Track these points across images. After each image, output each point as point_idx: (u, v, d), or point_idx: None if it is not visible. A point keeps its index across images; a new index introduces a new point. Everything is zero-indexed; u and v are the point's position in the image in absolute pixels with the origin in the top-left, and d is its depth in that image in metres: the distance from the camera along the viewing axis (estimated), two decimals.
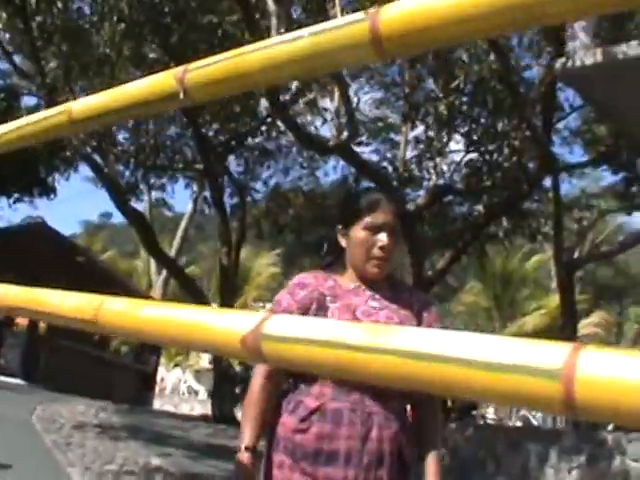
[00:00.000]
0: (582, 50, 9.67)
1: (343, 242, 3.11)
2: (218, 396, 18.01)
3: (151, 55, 18.30)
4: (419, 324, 3.04)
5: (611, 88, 9.81)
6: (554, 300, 35.67)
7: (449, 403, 16.35)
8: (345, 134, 15.36)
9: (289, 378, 3.03)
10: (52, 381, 19.14)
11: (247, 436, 2.92)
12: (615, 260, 52.09)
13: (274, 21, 13.64)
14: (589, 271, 48.33)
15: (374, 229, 3.01)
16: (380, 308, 3.01)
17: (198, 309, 1.45)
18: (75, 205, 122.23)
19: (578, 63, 9.52)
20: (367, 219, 3.02)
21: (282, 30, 14.27)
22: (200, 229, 54.91)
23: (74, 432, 12.11)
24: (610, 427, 13.45)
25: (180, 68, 1.68)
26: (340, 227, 3.13)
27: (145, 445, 12.22)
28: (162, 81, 1.73)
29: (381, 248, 3.00)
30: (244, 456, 2.90)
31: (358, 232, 3.03)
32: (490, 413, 29.92)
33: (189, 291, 21.55)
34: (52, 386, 18.27)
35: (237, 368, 18.60)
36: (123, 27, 16.11)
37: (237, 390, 17.56)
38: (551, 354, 0.92)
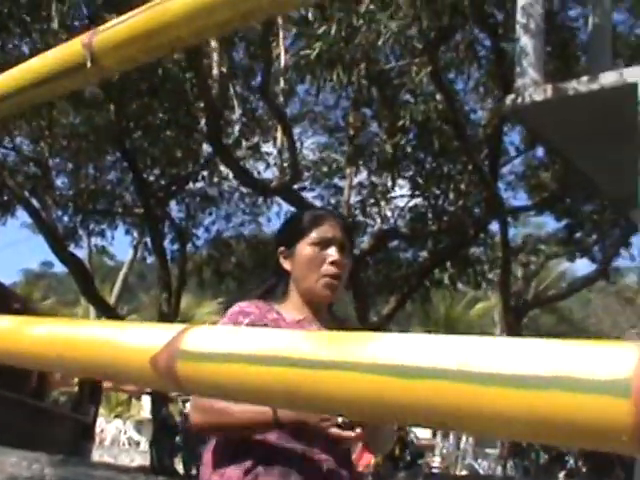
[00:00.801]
0: (532, 87, 9.55)
1: (287, 265, 2.81)
2: (157, 447, 17.61)
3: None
4: None
5: (561, 125, 9.69)
6: None
7: (396, 451, 16.08)
8: (288, 176, 15.16)
9: None
10: None
11: (262, 414, 2.50)
12: (558, 307, 52.71)
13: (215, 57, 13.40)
14: (533, 318, 48.67)
15: (322, 244, 2.75)
16: None
17: (101, 324, 1.13)
18: (16, 253, 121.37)
19: (528, 99, 9.39)
20: (313, 234, 2.76)
21: (223, 69, 14.14)
22: (142, 278, 54.63)
23: None
24: (561, 476, 13.17)
25: (89, 32, 1.38)
26: (282, 248, 2.83)
27: None
28: (69, 50, 1.42)
29: (332, 263, 2.73)
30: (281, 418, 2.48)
31: (304, 249, 2.76)
32: (436, 462, 29.61)
33: None
34: None
35: (177, 418, 18.18)
36: None
37: (177, 439, 17.18)
38: (615, 358, 0.60)
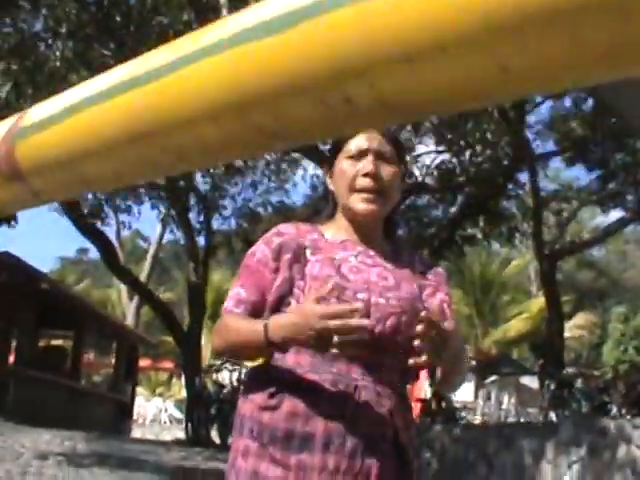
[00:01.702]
0: None
1: (330, 184, 2.66)
2: (191, 418, 17.50)
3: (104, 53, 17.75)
4: (420, 288, 2.56)
5: None
6: (536, 304, 35.53)
7: (433, 405, 15.90)
8: None
9: None
10: (20, 413, 18.43)
11: (253, 324, 2.39)
12: (595, 261, 52.32)
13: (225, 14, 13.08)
14: (570, 276, 48.32)
15: (357, 156, 2.55)
16: (372, 265, 2.52)
17: None
18: (52, 241, 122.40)
19: None
20: (349, 146, 2.57)
21: None
22: (177, 259, 54.77)
23: (33, 461, 11.37)
24: (614, 411, 12.85)
25: None
26: (327, 167, 2.70)
27: (111, 471, 11.51)
28: None
29: (365, 175, 2.51)
30: (270, 324, 2.33)
31: (340, 163, 2.59)
32: (477, 421, 29.32)
33: (160, 314, 21.04)
34: (20, 418, 17.53)
35: (211, 389, 18.01)
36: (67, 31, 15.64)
37: (212, 411, 17.02)
38: None
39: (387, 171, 2.55)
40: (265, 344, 2.31)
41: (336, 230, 2.62)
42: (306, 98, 0.88)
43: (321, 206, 2.75)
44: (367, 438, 2.33)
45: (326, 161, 2.74)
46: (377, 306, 2.40)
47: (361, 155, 2.55)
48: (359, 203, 2.53)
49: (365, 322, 2.21)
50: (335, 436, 2.30)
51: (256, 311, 2.44)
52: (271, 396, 2.38)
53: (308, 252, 2.51)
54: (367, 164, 2.52)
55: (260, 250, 2.54)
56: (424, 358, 2.19)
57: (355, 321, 2.17)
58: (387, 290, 2.46)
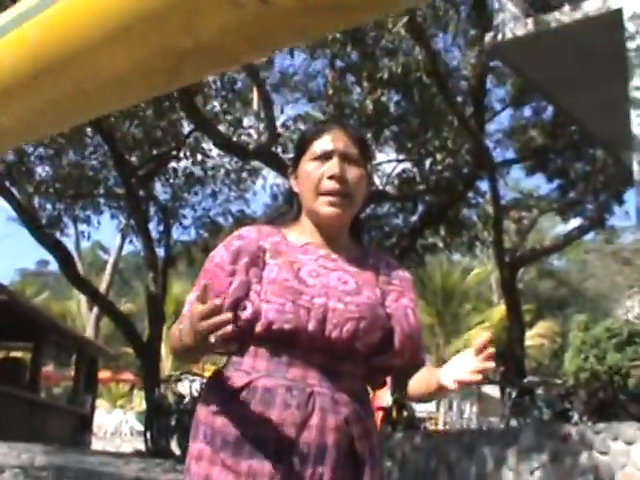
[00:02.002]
0: (512, 21, 9.10)
1: (294, 185, 2.64)
2: (151, 429, 17.28)
3: None
4: (384, 294, 2.54)
5: (545, 60, 9.28)
6: (497, 313, 35.78)
7: (394, 414, 15.90)
8: (265, 137, 14.77)
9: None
10: None
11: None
12: (555, 271, 52.65)
13: None
14: (530, 285, 48.58)
15: (322, 157, 2.53)
16: (333, 269, 2.50)
17: None
18: (11, 253, 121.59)
19: (509, 35, 8.96)
20: (313, 148, 2.55)
21: None
22: (137, 268, 54.63)
23: None
24: (575, 418, 12.89)
25: None
26: (291, 169, 2.68)
27: None
28: None
29: (331, 178, 2.49)
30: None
31: (304, 165, 2.57)
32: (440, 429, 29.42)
33: (120, 325, 20.91)
34: None
35: (171, 399, 17.82)
36: None
37: (172, 422, 16.83)
38: None
39: (353, 173, 2.51)
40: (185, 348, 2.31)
41: (299, 232, 2.59)
42: (220, 1, 0.81)
43: (284, 209, 2.68)
44: (319, 446, 2.29)
45: (291, 162, 2.70)
46: (334, 311, 2.38)
47: (326, 157, 2.51)
48: (324, 206, 2.50)
49: (226, 317, 2.15)
50: (286, 443, 2.27)
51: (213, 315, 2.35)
52: (224, 401, 2.36)
53: (267, 255, 2.48)
54: (332, 166, 2.49)
55: (219, 254, 2.52)
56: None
57: (217, 318, 2.12)
58: (346, 295, 2.43)
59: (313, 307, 2.35)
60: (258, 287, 2.41)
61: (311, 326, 2.34)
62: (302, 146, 2.60)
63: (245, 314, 2.38)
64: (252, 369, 2.38)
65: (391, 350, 2.49)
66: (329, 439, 2.31)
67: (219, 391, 2.42)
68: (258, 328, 2.36)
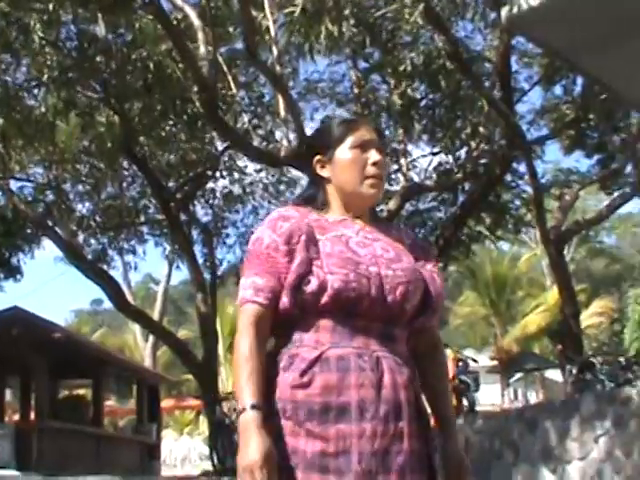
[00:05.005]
0: None
1: (325, 172, 2.82)
2: (216, 448, 17.27)
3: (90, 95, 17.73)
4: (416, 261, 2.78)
5: (566, 28, 9.08)
6: (552, 296, 35.24)
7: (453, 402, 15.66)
8: (295, 143, 14.73)
9: (279, 330, 2.62)
10: (48, 465, 18.36)
11: (249, 393, 2.45)
12: (607, 248, 52.21)
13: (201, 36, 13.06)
14: (582, 266, 48.25)
15: (362, 146, 2.79)
16: (373, 239, 2.73)
17: None
18: (65, 295, 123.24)
19: (525, 6, 8.82)
20: (352, 138, 2.80)
21: (210, 48, 13.77)
22: (189, 296, 55.02)
23: None
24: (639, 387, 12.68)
25: None
26: (319, 157, 2.83)
27: None
28: None
29: (374, 164, 2.78)
30: (249, 415, 2.40)
31: (345, 153, 2.80)
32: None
33: (176, 351, 20.99)
34: (46, 471, 17.44)
35: (233, 417, 17.79)
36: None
37: (235, 438, 16.77)
38: None
39: (383, 160, 2.81)
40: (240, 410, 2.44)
41: (332, 211, 2.79)
42: None
43: (312, 191, 2.87)
44: (396, 403, 2.50)
45: (318, 151, 2.84)
46: (387, 277, 2.60)
47: (367, 146, 2.78)
48: (369, 189, 2.76)
49: None
50: (369, 404, 2.46)
51: (275, 295, 2.56)
52: (302, 374, 2.49)
53: (316, 232, 2.65)
54: (375, 154, 2.77)
55: (267, 236, 2.64)
56: None
57: None
58: (391, 262, 2.65)
59: (371, 275, 2.55)
60: (319, 262, 2.57)
61: (373, 292, 2.54)
62: (337, 136, 2.81)
63: (311, 287, 2.54)
64: (317, 343, 2.54)
65: (428, 311, 2.71)
66: (402, 396, 2.52)
67: (291, 367, 2.53)
68: (325, 299, 2.53)
